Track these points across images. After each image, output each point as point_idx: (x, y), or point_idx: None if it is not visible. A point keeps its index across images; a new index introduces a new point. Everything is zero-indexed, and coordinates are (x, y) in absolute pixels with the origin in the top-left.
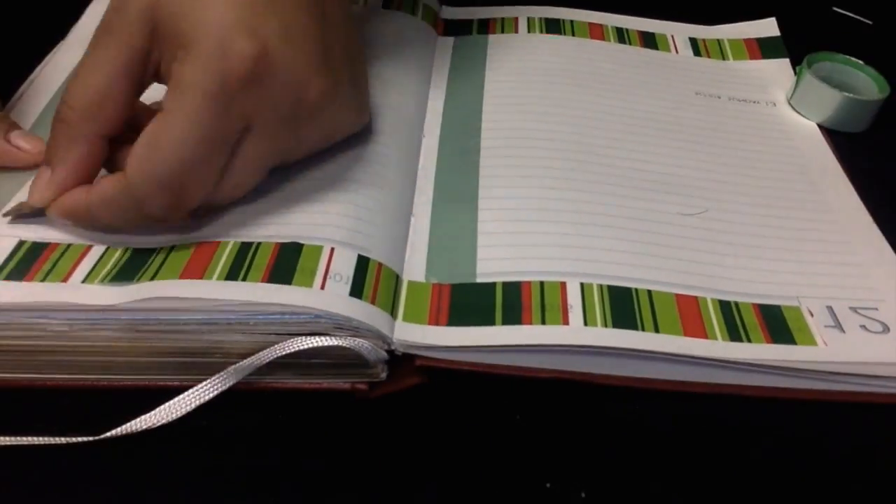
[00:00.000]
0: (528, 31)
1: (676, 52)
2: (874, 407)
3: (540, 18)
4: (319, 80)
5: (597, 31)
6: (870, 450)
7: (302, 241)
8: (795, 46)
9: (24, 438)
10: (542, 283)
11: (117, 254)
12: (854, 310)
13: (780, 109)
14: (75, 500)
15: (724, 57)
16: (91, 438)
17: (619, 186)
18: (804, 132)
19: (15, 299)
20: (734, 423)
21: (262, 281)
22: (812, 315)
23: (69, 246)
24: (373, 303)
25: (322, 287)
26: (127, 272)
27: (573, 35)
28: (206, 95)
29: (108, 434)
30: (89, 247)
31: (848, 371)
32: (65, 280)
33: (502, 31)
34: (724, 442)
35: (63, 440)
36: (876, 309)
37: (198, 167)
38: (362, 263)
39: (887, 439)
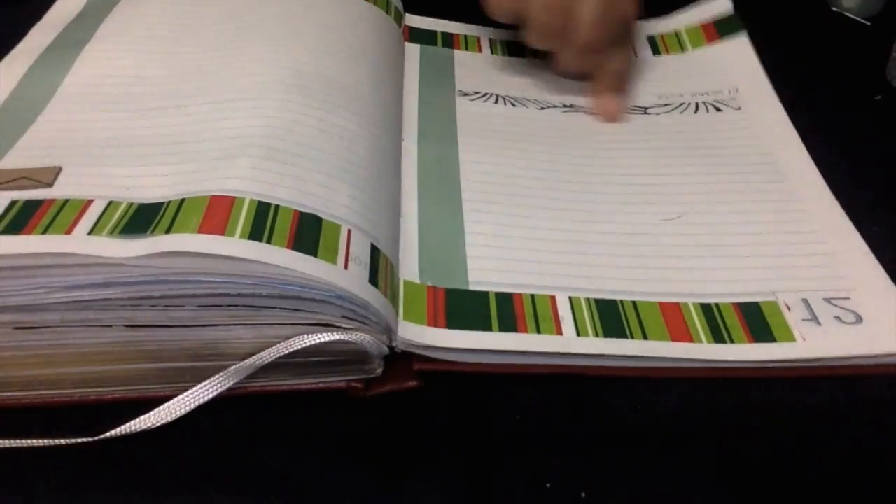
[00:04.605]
0: (492, 53)
1: (636, 55)
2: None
3: (501, 41)
4: None
5: None
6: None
7: (320, 215)
8: (792, 44)
9: (24, 441)
10: (532, 296)
11: (122, 207)
12: (828, 301)
13: (742, 97)
14: (75, 502)
15: (682, 48)
16: (90, 439)
17: (593, 203)
18: (768, 121)
19: (13, 251)
20: (732, 419)
21: (288, 248)
22: (789, 309)
23: (67, 201)
24: (385, 295)
25: (346, 267)
26: (138, 224)
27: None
28: None
29: (107, 435)
30: (90, 201)
31: (825, 363)
32: (68, 232)
33: (466, 49)
34: (724, 441)
35: (62, 441)
36: (848, 298)
37: None
38: (375, 253)
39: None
